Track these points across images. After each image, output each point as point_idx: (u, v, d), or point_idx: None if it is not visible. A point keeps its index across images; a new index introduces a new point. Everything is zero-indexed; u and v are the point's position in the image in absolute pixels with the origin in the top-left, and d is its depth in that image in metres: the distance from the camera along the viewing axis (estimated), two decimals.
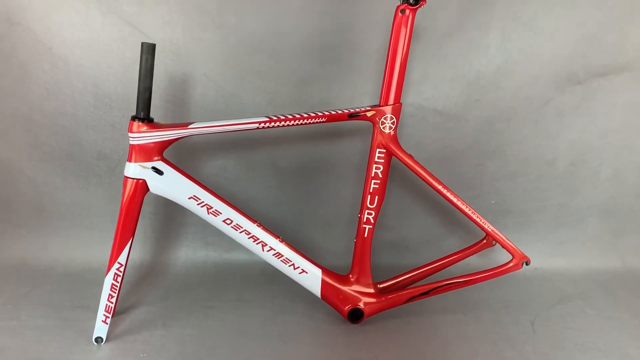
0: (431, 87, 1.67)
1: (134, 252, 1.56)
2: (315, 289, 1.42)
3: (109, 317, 1.32)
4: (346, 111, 1.32)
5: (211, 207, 1.31)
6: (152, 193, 1.28)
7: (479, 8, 1.59)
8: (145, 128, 1.23)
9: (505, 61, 1.64)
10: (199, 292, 1.61)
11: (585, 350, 1.40)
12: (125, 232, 1.28)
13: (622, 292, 1.73)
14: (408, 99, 1.67)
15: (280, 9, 1.56)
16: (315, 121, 1.30)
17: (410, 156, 1.36)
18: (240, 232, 1.34)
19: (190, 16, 1.56)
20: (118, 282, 1.31)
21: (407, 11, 1.25)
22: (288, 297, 1.60)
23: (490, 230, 1.39)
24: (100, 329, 1.32)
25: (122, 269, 1.30)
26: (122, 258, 1.29)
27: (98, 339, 1.32)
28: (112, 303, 1.31)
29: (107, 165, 1.70)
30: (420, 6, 1.24)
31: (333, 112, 1.31)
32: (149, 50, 1.18)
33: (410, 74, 1.63)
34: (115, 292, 1.31)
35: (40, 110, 1.62)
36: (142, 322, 1.44)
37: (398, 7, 1.25)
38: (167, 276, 1.71)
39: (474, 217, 1.38)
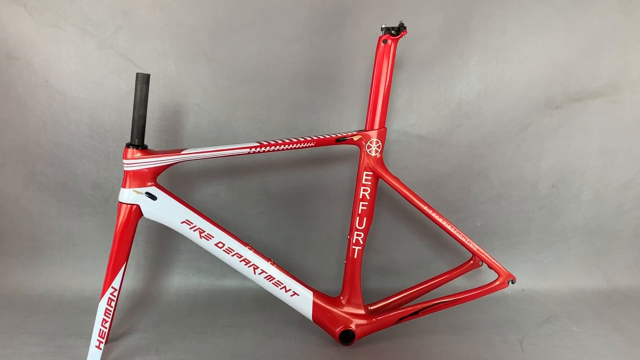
0: (415, 113, 1.73)
1: (127, 280, 1.58)
2: (307, 311, 1.44)
3: (102, 343, 1.33)
4: (334, 136, 1.37)
5: (203, 231, 1.34)
6: (145, 220, 1.32)
7: (459, 37, 1.67)
8: (139, 154, 1.27)
9: (486, 88, 1.71)
10: (192, 319, 1.63)
11: None
12: (120, 257, 1.31)
13: (608, 310, 1.76)
14: (393, 126, 1.73)
15: (270, 41, 1.63)
16: (304, 146, 1.35)
17: (396, 178, 1.40)
18: (232, 256, 1.37)
19: (183, 49, 1.62)
20: (112, 307, 1.33)
21: (389, 41, 1.32)
22: (280, 321, 1.62)
23: (475, 249, 1.43)
24: (94, 355, 1.33)
25: (115, 293, 1.33)
26: (116, 282, 1.32)
27: None
28: (105, 328, 1.33)
29: (101, 194, 1.73)
30: (401, 36, 1.31)
31: (321, 137, 1.36)
32: (143, 80, 1.24)
33: (395, 101, 1.70)
34: (108, 317, 1.33)
35: (37, 142, 1.66)
36: (136, 348, 1.45)
37: (380, 37, 1.32)
38: (159, 303, 1.72)
39: (460, 237, 1.42)
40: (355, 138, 1.38)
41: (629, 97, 1.77)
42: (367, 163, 1.39)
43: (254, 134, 1.70)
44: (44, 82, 1.61)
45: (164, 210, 1.32)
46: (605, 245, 1.93)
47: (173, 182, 1.68)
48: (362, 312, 1.47)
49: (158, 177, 1.32)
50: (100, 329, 1.33)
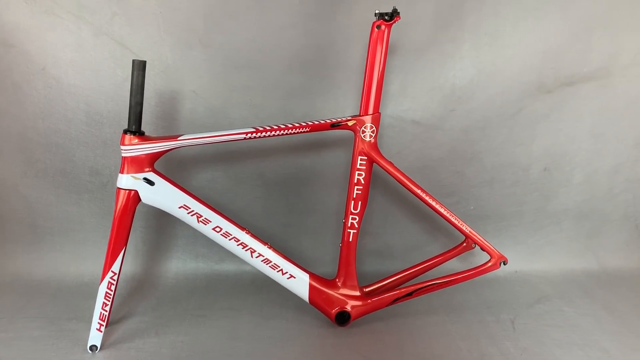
0: (409, 98, 1.74)
1: (126, 265, 1.61)
2: (303, 293, 1.47)
3: (103, 326, 1.36)
4: (329, 121, 1.39)
5: (201, 216, 1.36)
6: (142, 206, 1.34)
7: (452, 23, 1.68)
8: (136, 140, 1.29)
9: (479, 73, 1.73)
10: (190, 302, 1.66)
11: (562, 345, 1.46)
12: (119, 242, 1.33)
13: (598, 291, 1.80)
14: (387, 111, 1.74)
15: (264, 26, 1.63)
16: (299, 131, 1.37)
17: (390, 163, 1.42)
18: (230, 240, 1.39)
19: (178, 35, 1.62)
20: (112, 291, 1.35)
21: (383, 27, 1.33)
22: (277, 304, 1.65)
23: (468, 232, 1.45)
24: (95, 337, 1.36)
25: (115, 277, 1.35)
26: (115, 267, 1.34)
27: (92, 347, 1.36)
28: (106, 311, 1.36)
29: (99, 180, 1.75)
30: (395, 22, 1.33)
31: (316, 122, 1.38)
32: (139, 67, 1.25)
33: (389, 87, 1.71)
34: (109, 301, 1.36)
35: (34, 129, 1.67)
36: (135, 331, 1.48)
37: (374, 23, 1.33)
38: (158, 288, 1.75)
39: (453, 219, 1.45)
40: (350, 123, 1.39)
41: (620, 81, 1.78)
42: (362, 148, 1.41)
43: (250, 120, 1.72)
44: (40, 70, 1.62)
45: (162, 195, 1.34)
46: (595, 228, 1.97)
47: (170, 168, 1.70)
48: (357, 293, 1.50)
49: (155, 163, 1.34)
50: (101, 312, 1.35)
